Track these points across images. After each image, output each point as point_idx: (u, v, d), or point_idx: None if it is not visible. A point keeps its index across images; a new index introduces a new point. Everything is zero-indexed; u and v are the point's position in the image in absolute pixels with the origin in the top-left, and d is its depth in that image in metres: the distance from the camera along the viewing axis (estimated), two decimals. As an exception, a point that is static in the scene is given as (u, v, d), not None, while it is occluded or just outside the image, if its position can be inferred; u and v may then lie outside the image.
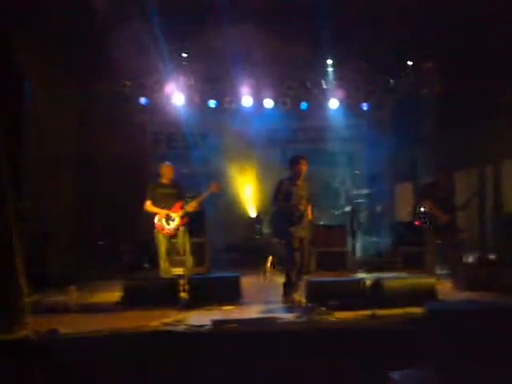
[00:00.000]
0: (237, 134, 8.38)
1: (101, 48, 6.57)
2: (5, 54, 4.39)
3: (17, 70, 5.22)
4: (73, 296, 4.85)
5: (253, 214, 8.09)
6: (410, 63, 8.41)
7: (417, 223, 7.42)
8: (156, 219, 5.75)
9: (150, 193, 5.84)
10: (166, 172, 5.89)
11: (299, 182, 5.19)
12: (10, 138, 4.12)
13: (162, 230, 5.72)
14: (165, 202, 5.76)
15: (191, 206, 5.81)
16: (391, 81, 8.64)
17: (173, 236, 5.76)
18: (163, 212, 5.73)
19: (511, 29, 6.13)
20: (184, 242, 5.78)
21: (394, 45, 7.63)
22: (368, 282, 4.87)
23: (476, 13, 6.24)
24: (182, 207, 5.79)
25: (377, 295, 4.68)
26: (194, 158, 8.38)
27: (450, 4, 6.16)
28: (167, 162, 6.03)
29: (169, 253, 5.80)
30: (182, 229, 5.76)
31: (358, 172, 8.43)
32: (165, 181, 5.90)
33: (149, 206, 5.79)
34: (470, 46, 6.92)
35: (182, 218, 5.76)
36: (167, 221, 5.73)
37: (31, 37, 5.66)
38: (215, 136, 8.79)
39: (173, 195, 5.83)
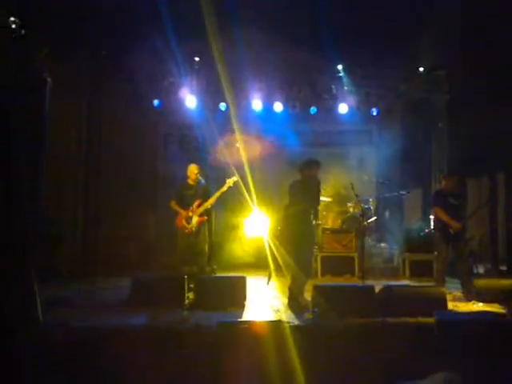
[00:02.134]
0: (247, 136, 8.38)
1: (115, 49, 6.61)
2: (30, 56, 4.43)
3: (40, 73, 5.27)
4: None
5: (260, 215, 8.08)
6: (421, 69, 8.36)
7: (426, 230, 7.37)
8: (177, 218, 6.02)
9: (176, 193, 6.20)
10: (191, 173, 6.09)
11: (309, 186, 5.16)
12: (32, 141, 4.19)
13: (182, 228, 5.95)
14: (190, 202, 6.02)
15: (209, 203, 6.02)
16: (401, 86, 8.60)
17: (192, 234, 5.94)
18: (184, 213, 5.99)
19: None
20: (199, 241, 5.97)
21: (406, 50, 7.59)
22: (377, 289, 4.81)
23: (488, 17, 6.17)
24: (199, 205, 5.97)
25: (387, 302, 4.61)
26: (205, 160, 8.41)
27: (461, 8, 6.11)
28: (193, 164, 6.20)
29: (184, 251, 5.96)
30: (198, 227, 5.96)
31: (367, 177, 8.38)
32: (191, 181, 6.14)
33: (173, 204, 6.12)
34: (481, 50, 6.85)
35: (200, 215, 5.99)
36: (187, 220, 5.98)
37: (47, 37, 5.70)
38: (227, 138, 8.81)
39: (197, 196, 6.03)
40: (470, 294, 5.37)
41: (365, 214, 6.96)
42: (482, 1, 6.25)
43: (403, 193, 8.01)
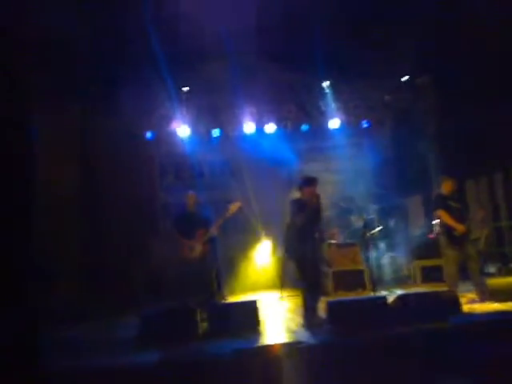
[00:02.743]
0: (244, 159, 8.45)
1: (106, 84, 6.68)
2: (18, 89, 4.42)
3: (26, 107, 5.27)
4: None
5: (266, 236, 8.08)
6: (404, 78, 8.51)
7: (431, 236, 7.34)
8: (181, 248, 5.99)
9: (177, 222, 6.20)
10: (189, 201, 6.11)
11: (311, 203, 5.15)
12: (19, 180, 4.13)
13: (186, 257, 5.91)
14: (192, 231, 5.99)
15: (212, 231, 6.00)
16: (386, 96, 8.74)
17: (197, 263, 5.89)
18: (187, 242, 5.97)
19: (508, 42, 6.18)
20: (205, 270, 5.92)
21: (389, 60, 7.73)
22: (390, 299, 4.75)
23: (472, 25, 6.31)
24: (203, 234, 5.94)
25: (400, 312, 4.55)
26: (201, 186, 8.43)
27: (445, 17, 6.25)
28: (190, 192, 6.24)
29: (191, 281, 5.86)
30: (203, 255, 5.92)
31: (365, 189, 8.39)
32: (189, 209, 6.10)
33: (175, 234, 6.09)
34: (467, 57, 6.98)
35: (204, 244, 5.94)
36: (191, 249, 5.94)
37: (36, 71, 5.74)
38: (221, 163, 8.88)
39: (197, 223, 6.00)
40: (484, 295, 5.32)
41: (368, 225, 6.95)
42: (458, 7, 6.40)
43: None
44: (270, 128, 8.89)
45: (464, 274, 5.71)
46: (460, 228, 5.58)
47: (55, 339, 4.79)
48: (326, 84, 8.48)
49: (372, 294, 5.67)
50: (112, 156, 7.88)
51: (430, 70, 8.37)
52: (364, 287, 6.89)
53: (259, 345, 4.27)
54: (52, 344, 4.34)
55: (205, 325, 4.82)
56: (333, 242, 7.48)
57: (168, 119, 8.34)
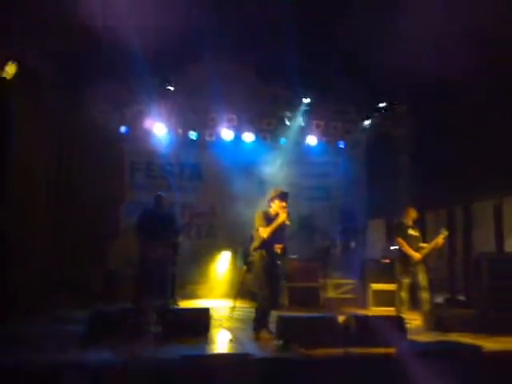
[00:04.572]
0: (217, 165, 8.47)
1: (84, 76, 6.61)
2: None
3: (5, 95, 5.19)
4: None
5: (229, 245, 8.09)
6: (382, 104, 8.75)
7: (387, 261, 7.56)
8: (143, 248, 5.92)
9: (141, 221, 6.09)
10: (158, 201, 6.10)
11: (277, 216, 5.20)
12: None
13: (146, 258, 5.83)
14: (156, 231, 5.90)
15: (177, 237, 6.07)
16: (365, 122, 8.96)
17: (156, 265, 5.82)
18: (149, 243, 5.88)
19: (483, 71, 6.42)
20: (163, 273, 5.83)
21: (369, 86, 7.93)
22: (340, 320, 4.86)
23: (449, 53, 6.50)
24: (169, 238, 5.87)
25: (349, 332, 4.66)
26: (172, 187, 8.38)
27: (423, 45, 6.44)
28: (159, 192, 6.18)
29: (150, 282, 5.79)
30: (164, 259, 5.86)
31: (333, 208, 8.55)
32: (157, 210, 6.09)
33: (138, 234, 6.01)
34: (443, 86, 7.20)
35: (166, 247, 5.92)
36: (152, 251, 5.86)
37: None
38: (194, 166, 8.87)
39: (163, 225, 5.95)
40: (430, 323, 5.51)
41: (330, 244, 7.08)
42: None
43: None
44: (249, 137, 8.96)
45: (414, 301, 5.90)
46: (416, 256, 5.81)
47: (4, 334, 4.69)
48: (306, 101, 8.64)
49: (324, 313, 5.77)
50: (83, 148, 7.78)
51: (408, 99, 8.64)
52: (317, 304, 7.00)
53: (207, 353, 4.30)
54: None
55: (156, 328, 4.81)
56: (293, 257, 7.58)
57: (144, 116, 8.25)
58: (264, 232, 5.01)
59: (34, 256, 6.79)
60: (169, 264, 5.94)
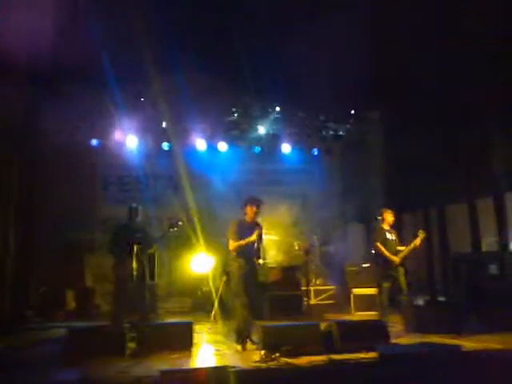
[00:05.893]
0: (191, 175, 8.38)
1: (52, 89, 6.45)
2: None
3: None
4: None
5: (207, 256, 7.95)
6: (353, 112, 8.88)
7: (368, 265, 7.59)
8: (116, 263, 5.70)
9: (115, 236, 5.89)
10: (132, 215, 5.91)
11: (253, 223, 5.18)
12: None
13: (121, 275, 5.61)
14: (130, 246, 5.66)
15: (152, 248, 5.85)
16: (339, 130, 9.07)
17: (132, 280, 5.59)
18: (123, 258, 5.63)
19: (456, 75, 6.56)
20: (139, 288, 5.65)
21: (342, 94, 8.01)
22: (322, 327, 4.82)
23: (422, 61, 6.63)
24: (141, 251, 5.67)
25: (331, 339, 4.62)
26: (147, 200, 8.22)
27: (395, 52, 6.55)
28: (134, 205, 5.97)
29: (124, 298, 5.61)
30: (140, 273, 5.62)
31: (311, 215, 8.56)
32: (132, 223, 5.90)
33: (111, 248, 5.80)
34: (416, 92, 7.33)
35: (141, 262, 5.67)
36: (126, 266, 5.60)
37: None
38: (169, 178, 8.76)
39: (137, 239, 5.74)
40: (411, 326, 5.52)
41: (310, 251, 7.06)
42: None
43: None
44: (222, 147, 8.94)
45: (395, 304, 5.92)
46: (394, 260, 5.85)
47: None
48: (278, 109, 8.67)
49: (306, 321, 5.72)
50: (53, 161, 7.56)
51: (380, 106, 8.78)
52: (300, 312, 6.94)
53: (187, 367, 4.18)
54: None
55: (135, 344, 4.66)
56: (273, 265, 7.52)
57: (115, 128, 8.13)
58: (231, 245, 5.08)
59: (6, 279, 6.55)
60: (145, 278, 5.74)
